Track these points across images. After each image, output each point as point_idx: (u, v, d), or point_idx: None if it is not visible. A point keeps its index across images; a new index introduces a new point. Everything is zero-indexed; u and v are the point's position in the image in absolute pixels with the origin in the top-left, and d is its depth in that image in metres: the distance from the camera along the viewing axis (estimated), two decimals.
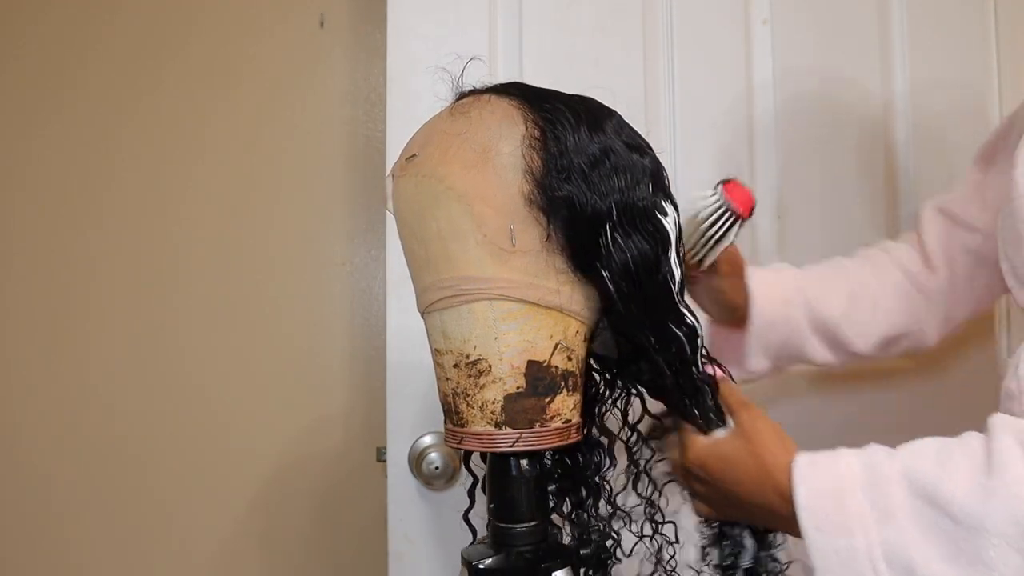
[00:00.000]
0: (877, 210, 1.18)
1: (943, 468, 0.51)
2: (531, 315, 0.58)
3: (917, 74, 1.20)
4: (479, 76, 0.63)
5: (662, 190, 0.60)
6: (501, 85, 0.61)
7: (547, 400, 0.59)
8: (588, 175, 0.56)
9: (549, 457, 0.67)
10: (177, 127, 1.19)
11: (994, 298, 0.90)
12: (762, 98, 1.15)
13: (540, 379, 0.59)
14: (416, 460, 1.02)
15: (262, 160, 1.20)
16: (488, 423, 0.60)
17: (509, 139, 0.57)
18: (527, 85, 0.61)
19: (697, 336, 0.63)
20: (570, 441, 0.61)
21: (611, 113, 0.61)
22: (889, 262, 0.90)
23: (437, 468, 1.01)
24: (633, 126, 0.62)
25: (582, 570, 0.67)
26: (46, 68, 1.18)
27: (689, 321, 0.62)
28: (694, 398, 0.65)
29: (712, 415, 0.65)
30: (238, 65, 1.21)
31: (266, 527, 1.18)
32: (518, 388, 0.59)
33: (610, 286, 0.58)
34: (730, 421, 0.65)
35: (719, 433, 0.65)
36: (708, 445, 0.64)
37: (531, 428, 0.59)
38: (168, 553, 1.16)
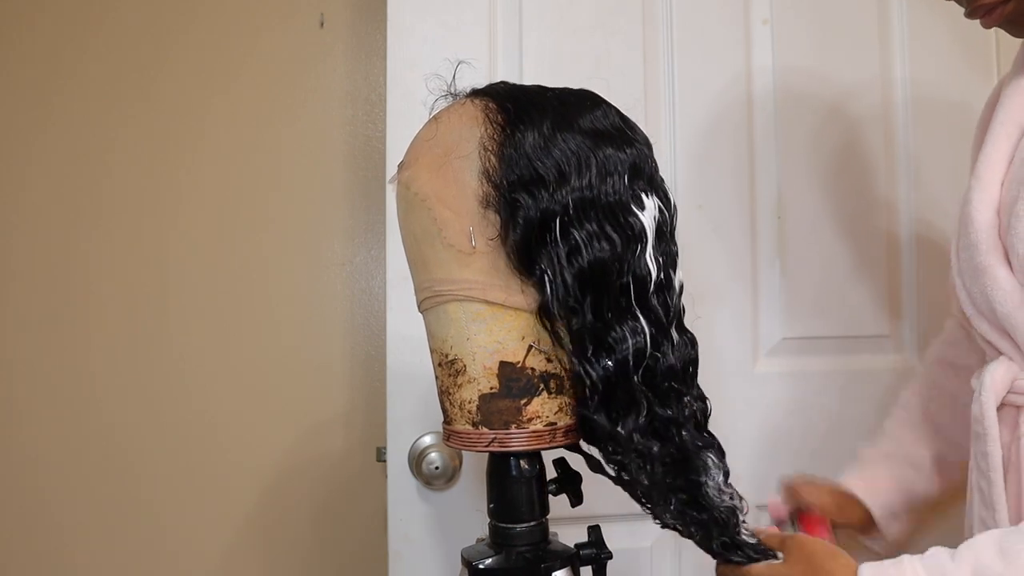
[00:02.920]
0: (877, 210, 1.18)
1: (1010, 566, 0.51)
2: (498, 316, 0.58)
3: (917, 75, 1.19)
4: (476, 78, 0.63)
5: (642, 181, 0.58)
6: (485, 86, 0.61)
7: (523, 402, 0.59)
8: (544, 173, 0.55)
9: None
10: (176, 127, 1.19)
11: None
12: (762, 98, 1.15)
13: (514, 380, 0.59)
14: (416, 460, 1.02)
15: (262, 160, 1.20)
16: (466, 422, 0.60)
17: (468, 141, 0.57)
18: (509, 84, 0.61)
19: (645, 353, 0.57)
20: (555, 445, 0.60)
21: (595, 105, 0.59)
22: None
23: (437, 468, 1.01)
24: (627, 118, 0.61)
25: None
26: (45, 69, 1.17)
27: (643, 330, 0.57)
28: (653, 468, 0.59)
29: (757, 551, 0.64)
30: (238, 65, 1.21)
31: (267, 526, 1.18)
32: (492, 389, 0.59)
33: (547, 288, 0.56)
34: (779, 554, 0.64)
35: (771, 563, 0.64)
36: (765, 573, 0.63)
37: (506, 430, 0.59)
38: (171, 554, 1.16)
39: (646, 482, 0.59)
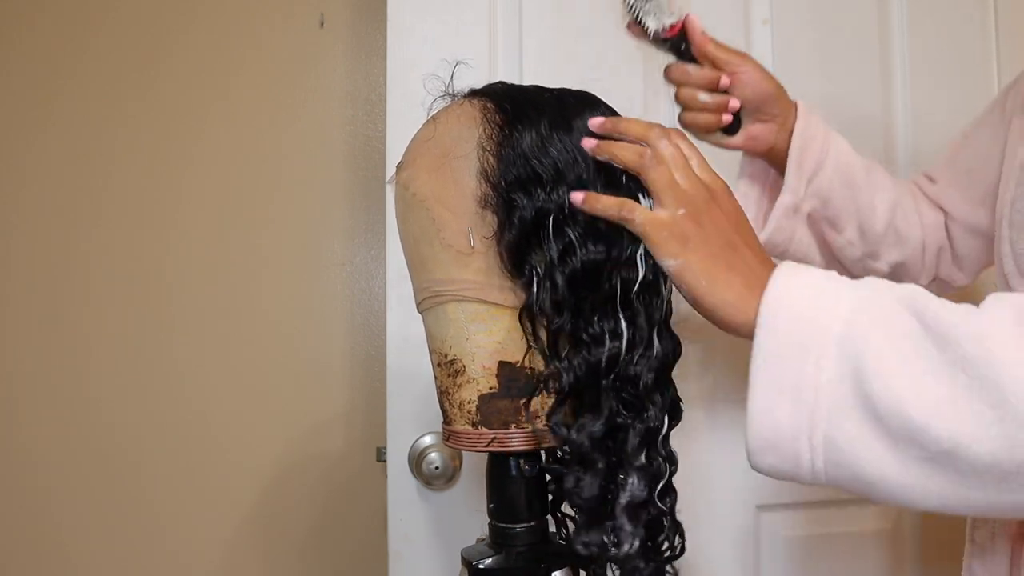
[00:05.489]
0: None
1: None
2: (497, 316, 0.58)
3: (917, 75, 1.19)
4: (476, 79, 0.63)
5: (636, 183, 0.57)
6: (483, 87, 0.61)
7: (522, 402, 0.59)
8: (542, 172, 0.55)
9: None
10: (176, 127, 1.19)
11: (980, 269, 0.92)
12: None
13: (514, 380, 0.58)
14: (416, 460, 1.02)
15: (262, 160, 1.20)
16: (466, 422, 0.60)
17: (467, 141, 0.57)
18: (507, 84, 0.61)
19: (618, 358, 0.56)
20: (554, 444, 0.60)
21: (593, 106, 0.60)
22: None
23: (437, 468, 1.01)
24: None
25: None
26: (45, 69, 1.18)
27: (621, 332, 0.56)
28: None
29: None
30: (238, 65, 1.21)
31: (267, 526, 1.18)
32: (491, 389, 0.59)
33: (534, 287, 0.55)
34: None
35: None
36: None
37: (506, 429, 0.59)
38: (171, 554, 1.16)
39: (585, 495, 0.56)
